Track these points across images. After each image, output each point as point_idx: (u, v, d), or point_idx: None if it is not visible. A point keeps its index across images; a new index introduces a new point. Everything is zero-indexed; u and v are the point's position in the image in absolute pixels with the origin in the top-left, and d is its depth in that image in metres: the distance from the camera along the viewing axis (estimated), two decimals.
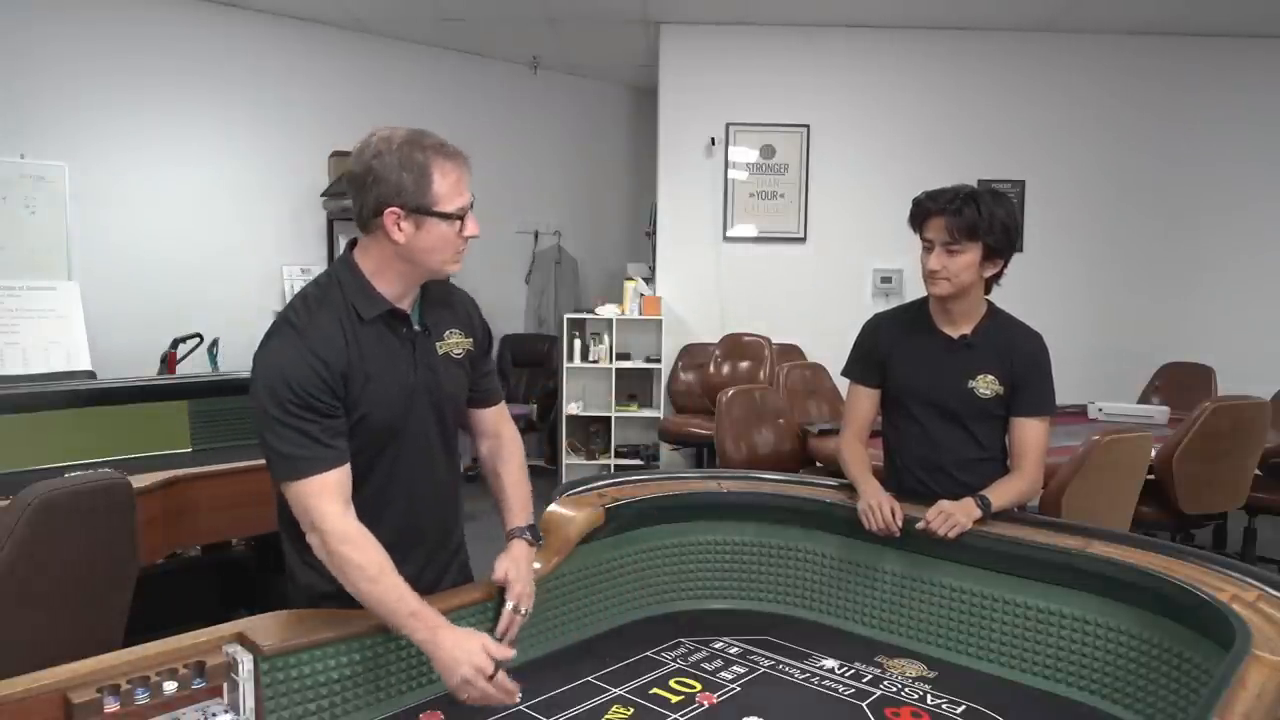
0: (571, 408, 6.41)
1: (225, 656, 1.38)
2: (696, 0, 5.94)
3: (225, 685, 1.37)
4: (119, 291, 5.40)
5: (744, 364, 5.85)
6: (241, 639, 1.41)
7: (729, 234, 6.41)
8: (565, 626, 1.87)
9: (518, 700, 1.50)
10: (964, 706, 1.63)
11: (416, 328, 1.69)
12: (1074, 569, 1.77)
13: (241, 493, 2.82)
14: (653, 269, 6.62)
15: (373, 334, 1.62)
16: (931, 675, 1.78)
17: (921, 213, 2.18)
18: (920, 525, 1.94)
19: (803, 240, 6.42)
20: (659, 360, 6.37)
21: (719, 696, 1.63)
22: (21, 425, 3.04)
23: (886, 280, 6.30)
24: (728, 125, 6.36)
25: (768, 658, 1.81)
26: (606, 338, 6.34)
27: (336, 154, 6.20)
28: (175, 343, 5.29)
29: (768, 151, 6.39)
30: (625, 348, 6.43)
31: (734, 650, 1.85)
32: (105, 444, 3.17)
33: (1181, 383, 5.33)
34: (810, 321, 6.19)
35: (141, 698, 1.29)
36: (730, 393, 3.87)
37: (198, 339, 5.42)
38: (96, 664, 1.30)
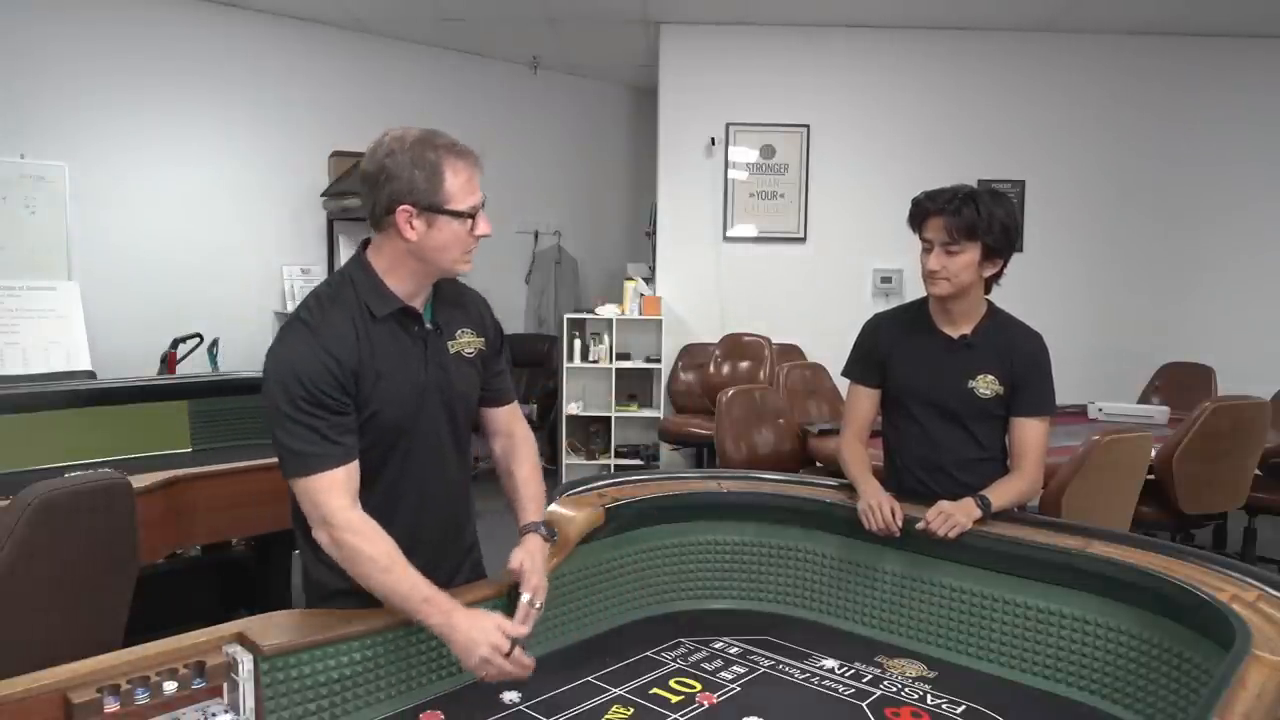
0: (571, 408, 6.41)
1: (225, 656, 1.38)
2: (696, 0, 5.94)
3: (225, 685, 1.37)
4: (119, 291, 5.40)
5: (744, 364, 5.85)
6: (241, 639, 1.41)
7: (729, 234, 6.41)
8: (565, 626, 1.86)
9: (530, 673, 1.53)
10: (964, 706, 1.63)
11: (428, 326, 1.71)
12: (1074, 569, 1.77)
13: (241, 493, 2.82)
14: (653, 269, 6.62)
15: (385, 332, 1.64)
16: (931, 675, 1.78)
17: (920, 213, 2.18)
18: (920, 525, 1.94)
19: (803, 240, 6.42)
20: (659, 360, 6.37)
21: (719, 696, 1.63)
22: (21, 425, 3.04)
23: (886, 280, 6.30)
24: (728, 125, 6.36)
25: (768, 658, 1.81)
26: (606, 338, 6.34)
27: (336, 154, 6.20)
28: (175, 343, 5.30)
29: (768, 151, 6.39)
30: (625, 348, 6.43)
31: (734, 650, 1.84)
32: (105, 444, 3.17)
33: (1181, 383, 5.33)
34: (810, 321, 6.19)
35: (141, 698, 1.30)
36: (730, 393, 3.87)
37: (198, 339, 5.42)
38: (96, 664, 1.30)
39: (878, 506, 2.00)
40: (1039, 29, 6.21)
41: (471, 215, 1.62)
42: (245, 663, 1.37)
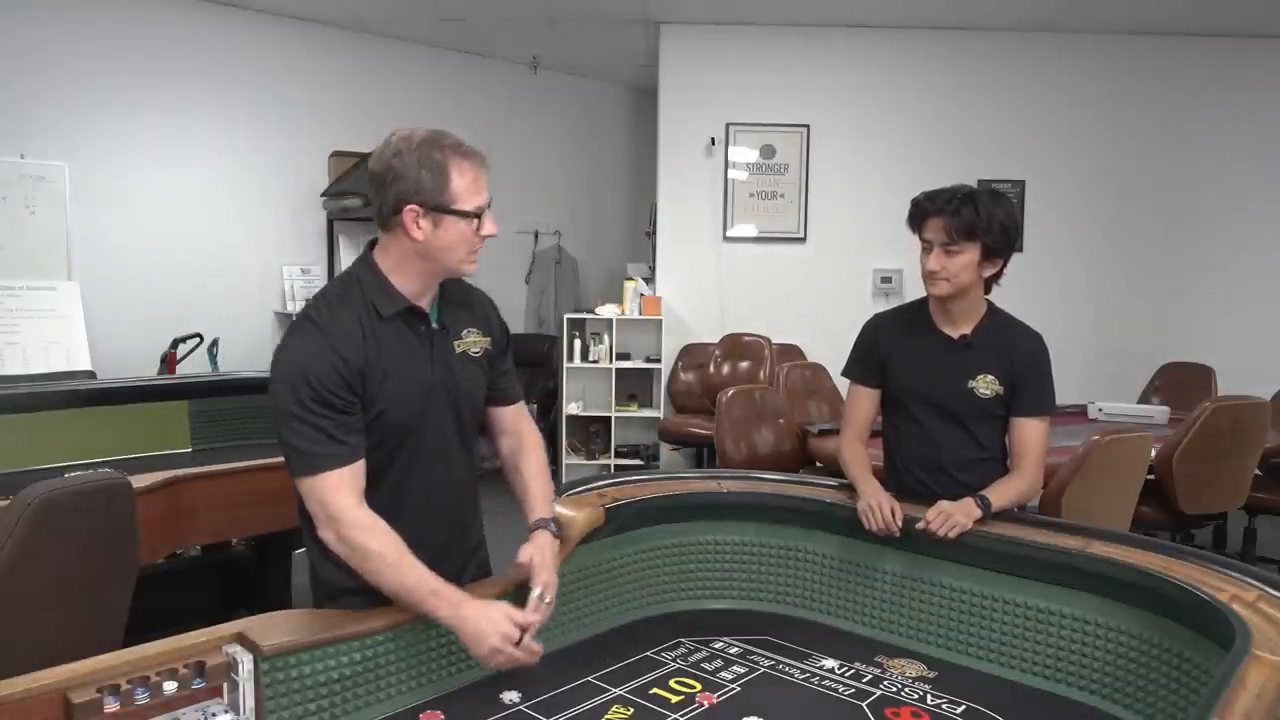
0: (571, 408, 6.41)
1: (225, 656, 1.38)
2: (696, 0, 5.94)
3: (225, 685, 1.37)
4: (119, 291, 5.40)
5: (744, 364, 5.85)
6: (241, 639, 1.41)
7: (729, 234, 6.41)
8: (565, 626, 1.86)
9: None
10: (964, 706, 1.63)
11: (435, 326, 1.72)
12: (1074, 569, 1.77)
13: (241, 493, 2.82)
14: (653, 269, 6.62)
15: (391, 331, 1.65)
16: (931, 675, 1.78)
17: (920, 213, 2.18)
18: (920, 525, 1.94)
19: (803, 240, 6.42)
20: (659, 360, 6.37)
21: (719, 696, 1.63)
22: (21, 425, 3.04)
23: (886, 280, 6.30)
24: (728, 125, 6.36)
25: (768, 658, 1.81)
26: (606, 338, 6.34)
27: (336, 154, 6.20)
28: (175, 343, 5.30)
29: (768, 151, 6.39)
30: (625, 348, 6.42)
31: (734, 650, 1.84)
32: (105, 444, 3.17)
33: (1181, 383, 5.33)
34: (810, 321, 6.19)
35: (141, 698, 1.29)
36: (730, 393, 3.87)
37: (198, 339, 5.42)
38: (96, 664, 1.30)
39: (878, 506, 2.00)
40: (1039, 29, 6.21)
41: (478, 215, 1.64)
42: (245, 663, 1.37)
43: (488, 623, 1.51)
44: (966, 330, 2.23)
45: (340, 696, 1.48)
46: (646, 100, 7.48)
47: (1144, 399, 5.37)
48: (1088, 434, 3.14)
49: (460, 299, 1.80)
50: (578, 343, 6.36)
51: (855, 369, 2.38)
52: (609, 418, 6.39)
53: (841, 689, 1.69)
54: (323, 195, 6.23)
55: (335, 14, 6.10)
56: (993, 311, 2.27)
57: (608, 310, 6.35)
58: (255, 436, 3.53)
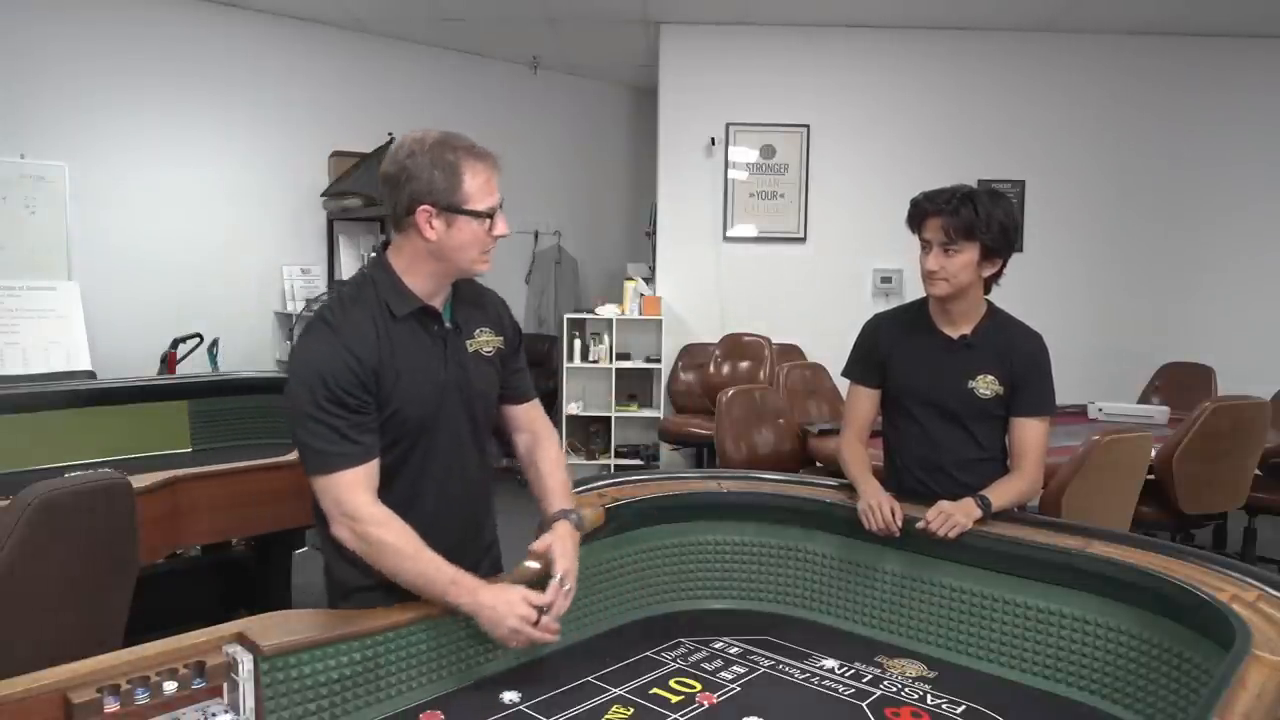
0: (571, 408, 6.40)
1: (225, 656, 1.38)
2: (696, 0, 5.94)
3: (225, 685, 1.37)
4: (119, 291, 5.40)
5: (744, 364, 5.85)
6: (241, 639, 1.41)
7: (729, 234, 6.41)
8: (565, 626, 1.85)
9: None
10: (964, 706, 1.63)
11: (448, 325, 1.74)
12: (1074, 569, 1.77)
13: (241, 493, 2.82)
14: (653, 269, 6.62)
15: (405, 330, 1.68)
16: (931, 675, 1.78)
17: (919, 213, 2.19)
18: (920, 525, 1.94)
19: (803, 240, 6.42)
20: (659, 360, 6.37)
21: (719, 696, 1.63)
22: (21, 425, 3.04)
23: (886, 280, 6.30)
24: (728, 125, 6.36)
25: (768, 658, 1.81)
26: (606, 338, 6.34)
27: (336, 154, 6.20)
28: (175, 343, 5.30)
29: (768, 151, 6.39)
30: (625, 348, 6.42)
31: (734, 650, 1.84)
32: (105, 444, 3.17)
33: (1181, 383, 5.33)
34: (810, 321, 6.19)
35: (141, 698, 1.29)
36: (730, 393, 3.87)
37: (198, 339, 5.42)
38: (96, 664, 1.30)
39: (878, 506, 2.00)
40: (1039, 29, 6.22)
41: (490, 215, 1.66)
42: (245, 663, 1.37)
43: (505, 605, 1.56)
44: (966, 330, 2.23)
45: (340, 696, 1.48)
46: (646, 100, 7.48)
47: (1144, 399, 5.37)
48: (1088, 434, 3.14)
49: (473, 299, 1.82)
50: (578, 343, 6.36)
51: (855, 369, 2.38)
52: (609, 418, 6.39)
53: (841, 689, 1.69)
54: (323, 195, 6.23)
55: (335, 14, 6.10)
56: (992, 312, 2.27)
57: (608, 310, 6.35)
58: (255, 436, 3.54)
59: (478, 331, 1.79)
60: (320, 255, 6.37)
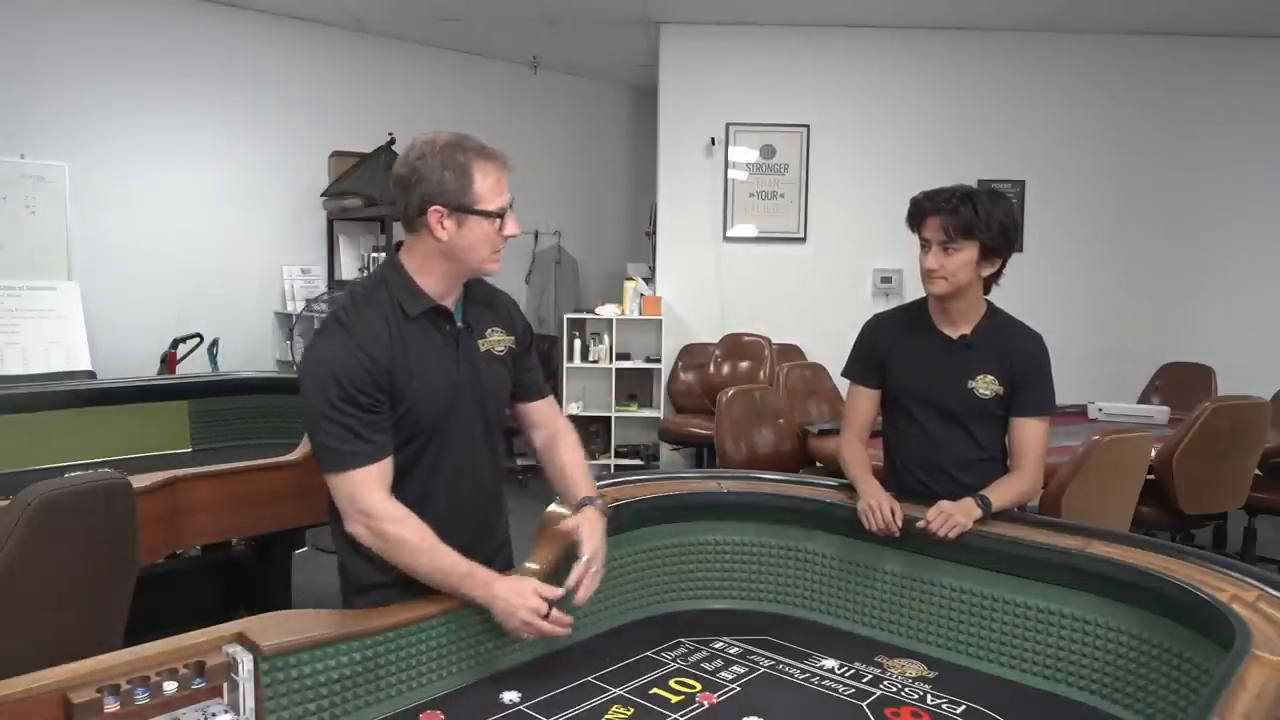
0: (571, 408, 6.40)
1: (225, 656, 1.38)
2: (696, 0, 5.94)
3: (225, 685, 1.37)
4: (119, 291, 5.40)
5: (744, 364, 5.85)
6: (241, 639, 1.41)
7: (729, 234, 6.41)
8: None
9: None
10: (964, 706, 1.63)
11: (459, 325, 1.76)
12: (1074, 569, 1.77)
13: (241, 493, 2.82)
14: (653, 269, 6.62)
15: (417, 330, 1.70)
16: (931, 675, 1.78)
17: (919, 212, 2.19)
18: (920, 525, 1.94)
19: (803, 240, 6.42)
20: (659, 360, 6.37)
21: (719, 696, 1.63)
22: (21, 425, 3.04)
23: (886, 280, 6.30)
24: (728, 125, 6.36)
25: (768, 658, 1.81)
26: (606, 338, 6.34)
27: (336, 154, 6.20)
28: (175, 343, 5.30)
29: (768, 151, 6.39)
30: (625, 348, 6.42)
31: (734, 650, 1.85)
32: (105, 444, 3.17)
33: (1181, 383, 5.33)
34: (810, 321, 6.19)
35: (141, 698, 1.29)
36: (730, 393, 3.87)
37: (198, 339, 5.42)
38: (96, 664, 1.30)
39: (878, 506, 2.00)
40: (1039, 29, 6.21)
41: (500, 215, 1.68)
42: (245, 663, 1.37)
43: (518, 598, 1.59)
44: (966, 330, 2.23)
45: (340, 696, 1.48)
46: (646, 100, 7.48)
47: (1144, 399, 5.37)
48: (1088, 434, 3.14)
49: (484, 299, 1.85)
50: (578, 343, 6.36)
51: (855, 369, 2.38)
52: (609, 418, 6.38)
53: (841, 689, 1.69)
54: (322, 195, 6.23)
55: (335, 14, 6.10)
56: (992, 311, 2.27)
57: (608, 310, 6.35)
58: (255, 436, 3.54)
59: (489, 331, 1.82)
60: (320, 255, 6.37)
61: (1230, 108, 6.27)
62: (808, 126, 6.36)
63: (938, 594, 1.93)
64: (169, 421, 3.41)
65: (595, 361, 6.34)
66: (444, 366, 1.72)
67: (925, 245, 2.17)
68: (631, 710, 1.57)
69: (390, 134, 5.95)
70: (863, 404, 2.35)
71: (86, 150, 5.30)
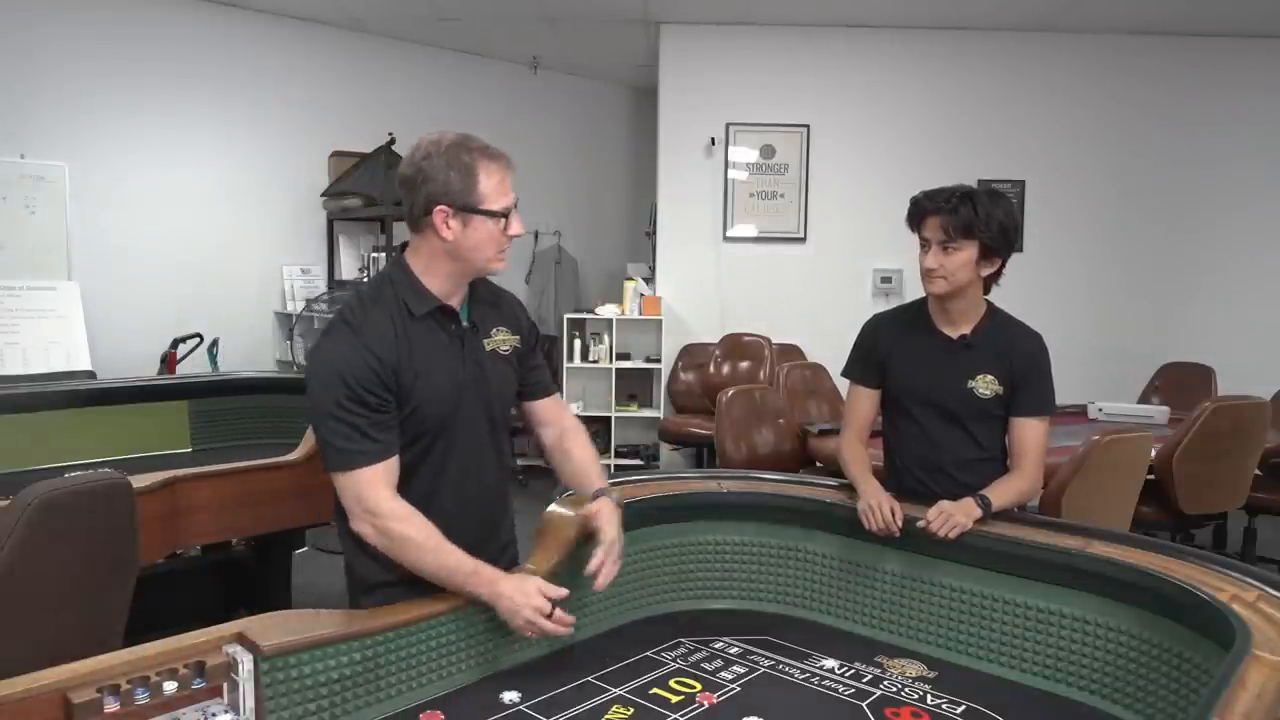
0: (572, 408, 6.32)
1: (225, 656, 1.38)
2: (696, 0, 5.94)
3: (225, 685, 1.37)
4: (119, 291, 5.40)
5: (744, 364, 5.85)
6: (241, 639, 1.41)
7: (729, 234, 6.41)
8: None
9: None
10: (964, 706, 1.63)
11: (465, 324, 1.77)
12: (1074, 569, 1.77)
13: (241, 493, 2.81)
14: (653, 269, 6.62)
15: (423, 330, 1.71)
16: (931, 675, 1.78)
17: (919, 212, 2.19)
18: (920, 525, 1.94)
19: (803, 240, 6.42)
20: (659, 360, 6.37)
21: (719, 696, 1.63)
22: (21, 425, 3.04)
23: (886, 280, 6.30)
24: (728, 125, 6.36)
25: (768, 658, 1.81)
26: (606, 338, 6.34)
27: (336, 154, 6.20)
28: (175, 343, 5.30)
29: (768, 151, 6.39)
30: (625, 348, 6.43)
31: (734, 650, 1.84)
32: (105, 444, 3.17)
33: (1181, 383, 5.33)
34: (810, 321, 6.19)
35: (141, 698, 1.29)
36: (730, 393, 3.87)
37: (198, 339, 5.42)
38: (96, 664, 1.30)
39: (878, 506, 2.00)
40: (1039, 29, 6.22)
41: (505, 215, 1.70)
42: (245, 663, 1.37)
43: (522, 597, 1.59)
44: (966, 330, 2.23)
45: (340, 696, 1.48)
46: (646, 100, 7.48)
47: (1144, 399, 5.37)
48: (1088, 434, 3.14)
49: (489, 299, 1.86)
50: (578, 343, 6.36)
51: (855, 369, 2.38)
52: (609, 418, 6.38)
53: (841, 689, 1.69)
54: (322, 195, 6.23)
55: (334, 14, 6.10)
56: (992, 311, 2.27)
57: (608, 310, 6.35)
58: (255, 436, 3.54)
59: (494, 331, 1.83)
60: (320, 255, 6.37)
61: (1230, 108, 6.27)
62: (808, 126, 6.36)
63: (938, 594, 1.93)
64: (169, 421, 3.41)
65: (595, 361, 6.34)
66: (450, 366, 1.73)
67: (925, 245, 2.18)
68: (631, 710, 1.57)
69: (390, 134, 5.95)
70: (863, 404, 2.35)
71: (86, 150, 5.30)
